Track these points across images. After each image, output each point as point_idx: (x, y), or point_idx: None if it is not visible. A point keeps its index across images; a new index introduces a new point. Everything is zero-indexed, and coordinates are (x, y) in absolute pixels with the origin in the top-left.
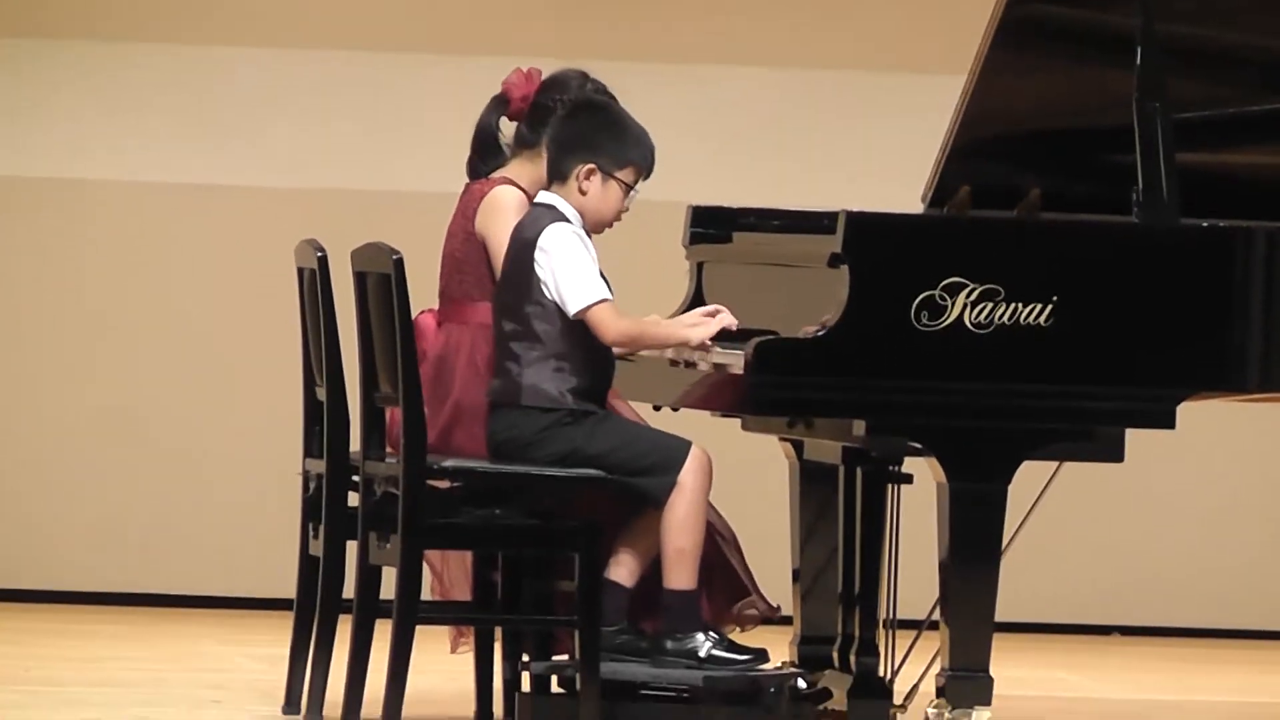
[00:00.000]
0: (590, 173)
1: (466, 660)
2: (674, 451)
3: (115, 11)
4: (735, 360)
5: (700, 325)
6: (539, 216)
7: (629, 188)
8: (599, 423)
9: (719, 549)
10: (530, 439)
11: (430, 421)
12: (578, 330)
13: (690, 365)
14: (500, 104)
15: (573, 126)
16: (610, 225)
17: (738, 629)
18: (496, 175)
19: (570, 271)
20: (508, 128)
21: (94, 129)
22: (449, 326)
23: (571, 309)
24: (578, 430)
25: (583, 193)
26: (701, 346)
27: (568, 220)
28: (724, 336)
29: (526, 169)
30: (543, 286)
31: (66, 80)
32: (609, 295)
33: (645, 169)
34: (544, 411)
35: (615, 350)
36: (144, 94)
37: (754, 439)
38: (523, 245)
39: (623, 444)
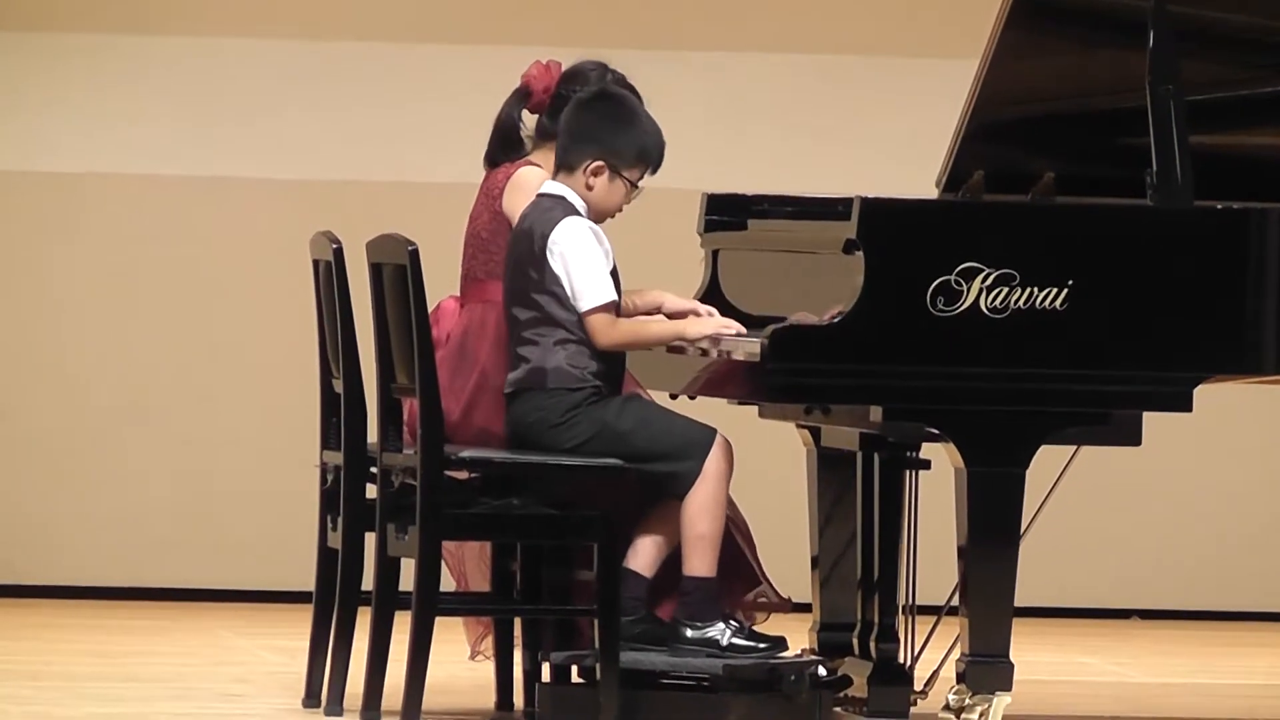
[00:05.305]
0: (599, 169)
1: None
2: (700, 438)
3: (128, 4)
4: (752, 347)
5: (699, 322)
6: (550, 207)
7: (633, 185)
8: (626, 401)
9: (734, 539)
10: (558, 420)
11: (455, 397)
12: None
13: (704, 353)
14: (522, 97)
15: (586, 117)
16: (611, 217)
17: (748, 619)
18: (520, 160)
19: (582, 270)
20: (528, 120)
21: (108, 123)
22: (472, 306)
23: (580, 307)
24: (606, 409)
25: (589, 188)
26: (702, 340)
27: (579, 213)
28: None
29: (549, 159)
30: (559, 277)
31: (75, 74)
32: (613, 298)
33: (653, 167)
34: (571, 391)
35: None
36: (154, 87)
37: (771, 426)
38: (535, 235)
39: (650, 424)
